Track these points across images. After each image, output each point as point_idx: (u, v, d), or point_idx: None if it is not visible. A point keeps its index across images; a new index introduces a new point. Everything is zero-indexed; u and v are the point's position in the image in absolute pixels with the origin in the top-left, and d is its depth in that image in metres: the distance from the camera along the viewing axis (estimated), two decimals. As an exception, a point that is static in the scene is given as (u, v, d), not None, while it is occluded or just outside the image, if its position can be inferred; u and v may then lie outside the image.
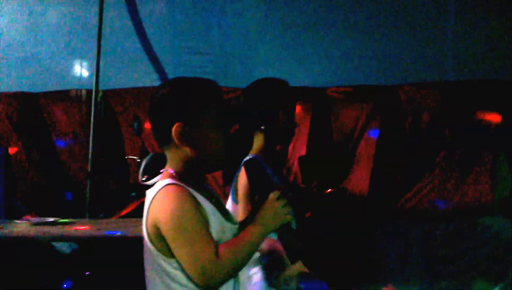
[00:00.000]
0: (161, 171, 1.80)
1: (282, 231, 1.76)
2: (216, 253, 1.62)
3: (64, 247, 4.35)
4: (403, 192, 4.55)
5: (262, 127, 2.52)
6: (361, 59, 4.59)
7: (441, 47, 4.57)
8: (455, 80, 4.53)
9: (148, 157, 1.64)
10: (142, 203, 1.69)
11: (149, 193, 1.72)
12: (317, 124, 4.58)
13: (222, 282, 1.65)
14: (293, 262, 1.91)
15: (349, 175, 4.60)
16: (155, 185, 1.72)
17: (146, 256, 1.74)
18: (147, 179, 1.70)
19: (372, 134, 4.55)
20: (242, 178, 2.41)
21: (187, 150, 1.72)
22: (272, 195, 1.72)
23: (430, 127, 4.53)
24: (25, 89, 4.69)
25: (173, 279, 1.67)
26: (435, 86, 4.54)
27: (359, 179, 4.57)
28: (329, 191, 4.58)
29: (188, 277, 1.65)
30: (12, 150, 4.58)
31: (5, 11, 4.67)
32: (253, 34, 4.64)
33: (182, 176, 1.73)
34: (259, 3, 4.61)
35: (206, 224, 1.66)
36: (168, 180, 1.70)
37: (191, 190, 1.69)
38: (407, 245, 4.55)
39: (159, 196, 1.67)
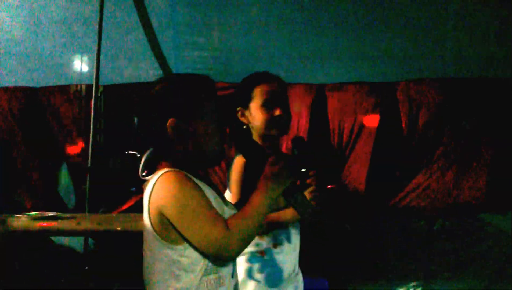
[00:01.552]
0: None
1: (288, 193, 1.77)
2: (227, 227, 1.64)
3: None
4: (401, 188, 4.56)
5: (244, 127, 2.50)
6: (361, 56, 4.59)
7: (441, 44, 4.57)
8: (454, 77, 4.53)
9: (148, 152, 1.65)
10: (142, 198, 1.69)
11: (149, 183, 1.73)
12: (316, 121, 4.59)
13: (237, 253, 1.69)
14: (305, 218, 1.92)
15: (347, 171, 4.61)
16: (154, 175, 1.73)
17: (148, 245, 1.75)
18: (147, 174, 1.70)
19: (370, 131, 4.56)
20: (234, 165, 2.41)
21: (182, 145, 1.74)
22: (270, 160, 1.73)
23: (428, 123, 4.54)
24: (26, 83, 4.70)
25: (178, 266, 1.69)
26: (434, 83, 4.54)
27: (357, 175, 4.57)
28: (330, 187, 4.58)
29: (193, 262, 1.67)
30: (12, 145, 4.59)
31: (6, 6, 4.66)
32: (254, 29, 4.63)
33: (179, 169, 1.74)
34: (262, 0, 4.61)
35: (210, 202, 1.68)
36: (166, 169, 1.71)
37: (189, 175, 1.71)
38: (405, 241, 4.56)
39: (160, 182, 1.69)
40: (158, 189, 1.68)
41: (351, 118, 4.59)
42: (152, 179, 1.72)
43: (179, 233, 1.66)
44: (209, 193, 1.73)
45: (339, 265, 4.35)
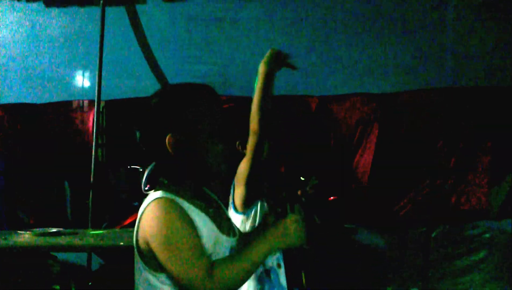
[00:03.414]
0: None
1: (292, 253, 1.75)
2: (208, 270, 1.56)
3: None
4: (401, 197, 4.57)
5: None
6: (362, 67, 4.60)
7: (440, 54, 4.58)
8: (454, 86, 4.55)
9: (150, 166, 1.64)
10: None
11: (141, 206, 1.66)
12: (317, 133, 4.60)
13: None
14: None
15: (348, 181, 4.62)
16: (147, 197, 1.67)
17: (135, 268, 1.69)
18: (150, 189, 1.69)
19: (370, 140, 4.57)
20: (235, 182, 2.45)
21: (182, 161, 1.65)
22: (292, 217, 1.66)
23: (428, 133, 4.55)
24: (28, 100, 4.72)
25: None
26: (433, 93, 4.56)
27: (358, 186, 4.58)
28: (332, 199, 4.58)
29: None
30: (14, 161, 4.60)
31: (7, 23, 4.70)
32: (254, 43, 4.66)
33: (178, 187, 1.67)
34: (260, 12, 4.63)
35: (197, 238, 1.59)
36: (159, 193, 1.64)
37: (183, 203, 1.62)
38: (404, 247, 4.57)
39: (149, 210, 1.62)
40: (146, 218, 1.62)
41: (351, 128, 4.60)
42: (144, 203, 1.65)
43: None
44: (203, 222, 1.63)
45: (339, 273, 4.35)
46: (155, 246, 1.58)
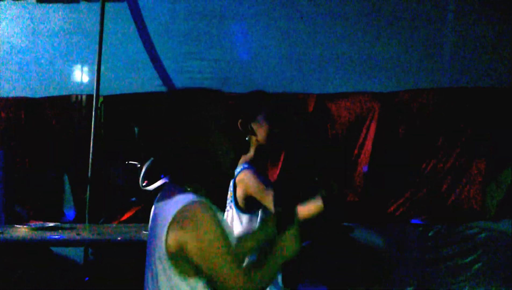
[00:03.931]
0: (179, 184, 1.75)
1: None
2: (247, 273, 1.64)
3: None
4: (398, 196, 4.57)
5: (257, 139, 2.53)
6: (360, 66, 4.60)
7: (439, 54, 4.59)
8: (452, 87, 4.55)
9: (148, 162, 1.63)
10: (142, 208, 1.68)
11: (168, 206, 1.65)
12: (316, 131, 4.60)
13: None
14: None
15: (346, 179, 4.62)
16: (174, 198, 1.66)
17: (155, 268, 1.67)
18: (147, 185, 1.68)
19: (368, 139, 4.57)
20: (246, 182, 2.44)
21: (200, 163, 1.71)
22: (292, 230, 1.74)
23: (426, 132, 4.56)
24: (26, 94, 4.70)
25: None
26: (432, 92, 4.56)
27: (355, 184, 4.59)
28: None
29: None
30: (13, 155, 4.59)
31: (6, 17, 4.69)
32: (254, 39, 4.66)
33: (203, 192, 1.71)
34: (260, 9, 4.63)
35: (230, 241, 1.66)
36: (192, 196, 1.64)
37: (212, 206, 1.66)
38: (401, 247, 4.58)
39: (185, 213, 1.61)
40: (182, 221, 1.60)
41: (350, 127, 4.60)
42: (174, 205, 1.64)
43: (197, 268, 1.62)
44: (224, 224, 1.70)
45: (338, 272, 4.35)
46: (193, 250, 1.58)
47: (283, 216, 1.77)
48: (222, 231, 1.61)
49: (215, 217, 1.61)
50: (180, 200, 1.63)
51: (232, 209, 2.51)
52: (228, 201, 2.56)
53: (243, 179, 2.46)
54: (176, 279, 1.63)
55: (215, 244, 1.58)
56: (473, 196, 4.53)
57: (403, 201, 4.57)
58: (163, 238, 1.61)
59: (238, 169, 2.47)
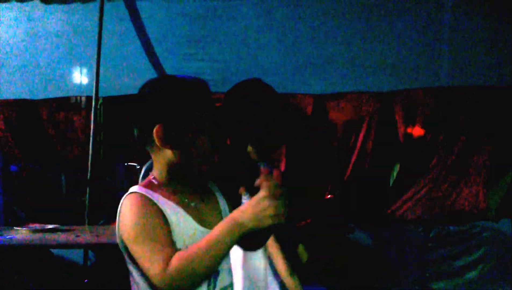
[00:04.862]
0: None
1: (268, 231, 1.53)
2: (166, 261, 1.49)
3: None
4: (398, 197, 4.57)
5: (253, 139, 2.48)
6: (358, 65, 4.60)
7: (437, 53, 4.58)
8: (450, 86, 4.55)
9: (147, 163, 1.63)
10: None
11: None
12: (315, 131, 4.60)
13: None
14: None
15: (345, 180, 4.62)
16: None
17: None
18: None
19: (367, 139, 4.57)
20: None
21: (169, 153, 1.66)
22: (267, 188, 1.48)
23: (424, 132, 4.55)
24: (25, 96, 4.70)
25: (137, 285, 1.64)
26: (430, 92, 4.56)
27: (355, 185, 4.58)
28: (328, 197, 4.59)
29: (150, 284, 1.56)
30: (12, 157, 4.59)
31: (5, 19, 4.68)
32: (252, 40, 4.65)
33: (163, 180, 1.68)
34: (258, 9, 4.62)
35: (162, 231, 1.57)
36: (135, 188, 1.66)
37: (157, 197, 1.63)
38: (402, 248, 4.57)
39: (122, 205, 1.66)
40: (120, 212, 1.66)
41: (348, 127, 4.60)
42: (123, 197, 1.68)
43: None
44: (176, 215, 1.62)
45: (338, 273, 4.35)
46: (125, 239, 1.61)
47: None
48: (149, 221, 1.57)
49: (146, 208, 1.60)
50: (127, 192, 1.68)
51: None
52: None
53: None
54: (129, 266, 1.66)
55: (136, 232, 1.57)
56: (473, 195, 4.52)
57: (403, 202, 4.57)
58: (116, 228, 1.69)
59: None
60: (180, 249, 1.56)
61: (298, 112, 4.58)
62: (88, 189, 4.43)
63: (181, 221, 1.62)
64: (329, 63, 4.60)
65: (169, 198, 1.64)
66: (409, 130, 4.57)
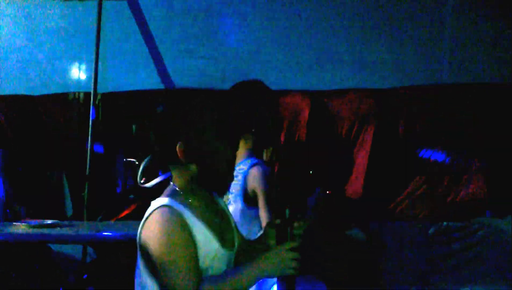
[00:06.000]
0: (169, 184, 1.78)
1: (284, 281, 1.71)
2: (195, 286, 1.58)
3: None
4: (398, 194, 4.57)
5: (253, 130, 2.51)
6: (358, 62, 4.60)
7: (438, 50, 4.59)
8: (451, 83, 4.55)
9: (146, 159, 1.64)
10: (140, 206, 1.70)
11: (148, 210, 1.70)
12: (314, 129, 4.60)
13: None
14: None
15: (344, 177, 4.62)
16: (153, 202, 1.71)
17: (138, 266, 1.74)
18: (145, 182, 1.70)
19: (367, 136, 4.57)
20: (258, 182, 2.43)
21: (193, 167, 1.71)
22: (288, 245, 1.67)
23: (425, 129, 4.56)
24: (24, 92, 4.70)
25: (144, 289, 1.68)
26: (431, 89, 4.56)
27: (355, 181, 4.58)
28: (328, 193, 4.59)
29: None
30: (10, 153, 4.59)
31: (4, 15, 4.68)
32: (253, 37, 4.65)
33: (187, 193, 1.72)
34: (259, 7, 4.63)
35: (192, 252, 1.63)
36: (166, 200, 1.68)
37: (187, 213, 1.67)
38: (402, 245, 4.58)
39: (152, 218, 1.67)
40: (149, 225, 1.67)
41: (348, 124, 4.60)
42: (150, 207, 1.70)
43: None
44: (203, 236, 1.67)
45: (336, 269, 4.36)
46: (152, 256, 1.62)
47: (277, 231, 1.74)
48: (182, 240, 1.62)
49: (179, 225, 1.63)
50: (155, 203, 1.69)
51: (238, 203, 2.49)
52: (232, 195, 2.52)
53: (255, 175, 2.44)
54: (147, 278, 1.67)
55: (168, 250, 1.60)
56: (474, 193, 4.51)
57: (403, 199, 4.57)
58: (138, 235, 1.70)
59: (246, 163, 2.44)
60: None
61: (297, 109, 4.58)
62: (86, 185, 4.44)
63: (206, 241, 1.68)
64: (329, 60, 4.60)
65: (194, 213, 1.69)
66: (409, 127, 4.58)
